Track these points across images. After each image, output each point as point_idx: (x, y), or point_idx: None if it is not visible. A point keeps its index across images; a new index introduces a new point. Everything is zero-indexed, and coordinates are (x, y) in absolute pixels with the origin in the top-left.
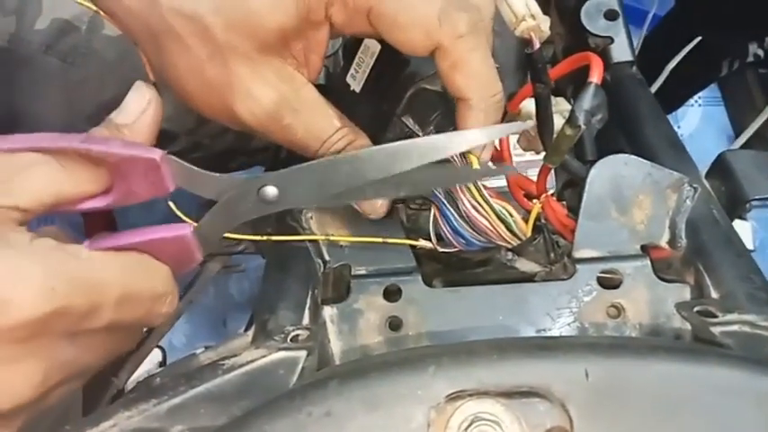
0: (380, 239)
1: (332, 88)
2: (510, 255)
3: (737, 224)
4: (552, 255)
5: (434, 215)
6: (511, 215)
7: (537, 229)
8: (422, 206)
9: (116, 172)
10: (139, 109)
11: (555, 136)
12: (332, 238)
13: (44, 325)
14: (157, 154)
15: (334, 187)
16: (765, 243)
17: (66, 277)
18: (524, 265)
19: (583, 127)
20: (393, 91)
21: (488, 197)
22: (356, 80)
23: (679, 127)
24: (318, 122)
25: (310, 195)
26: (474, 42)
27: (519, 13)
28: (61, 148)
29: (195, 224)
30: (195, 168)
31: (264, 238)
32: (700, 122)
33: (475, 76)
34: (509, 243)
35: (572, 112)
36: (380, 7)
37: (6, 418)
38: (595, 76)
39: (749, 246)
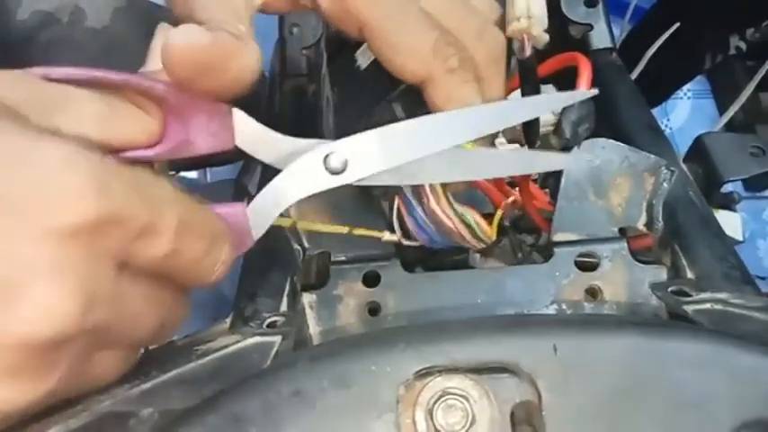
0: (347, 229)
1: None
2: (478, 257)
3: (727, 215)
4: (520, 254)
5: (400, 209)
6: (475, 221)
7: (502, 230)
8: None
9: (176, 116)
10: None
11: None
12: (299, 225)
13: (95, 232)
14: (224, 103)
15: (402, 156)
16: (755, 234)
17: (124, 178)
18: (493, 265)
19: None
20: (394, 78)
21: (452, 200)
22: (365, 57)
23: (669, 120)
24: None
25: (376, 166)
26: (467, 76)
27: (516, 11)
28: (120, 81)
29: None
30: (261, 126)
31: None
32: (689, 115)
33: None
34: (474, 246)
35: (558, 123)
36: (374, 26)
37: (44, 353)
38: (583, 85)
39: (738, 237)
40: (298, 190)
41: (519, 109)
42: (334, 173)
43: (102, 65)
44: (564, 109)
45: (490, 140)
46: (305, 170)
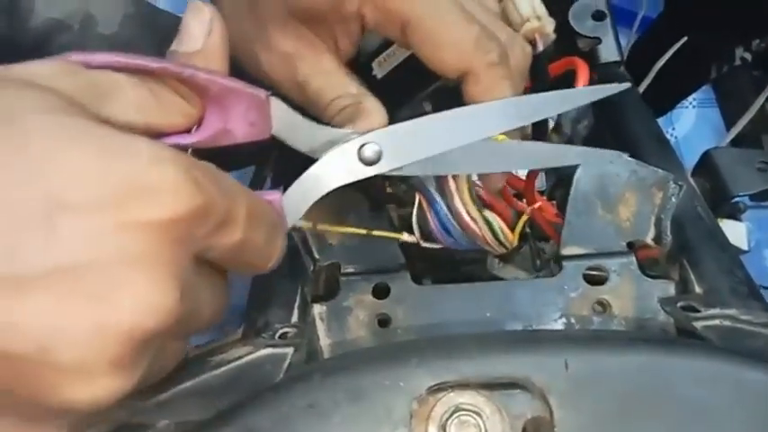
0: (365, 231)
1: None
2: (497, 262)
3: (733, 225)
4: (538, 262)
5: (420, 208)
6: (499, 225)
7: (523, 237)
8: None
9: (215, 104)
10: (204, 31)
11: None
12: (319, 227)
13: (188, 225)
14: (262, 92)
15: (435, 147)
16: (761, 244)
17: (203, 170)
18: (510, 273)
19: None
20: (416, 83)
21: (478, 201)
22: (381, 68)
23: (674, 128)
24: (331, 83)
25: (411, 156)
26: (505, 71)
27: (524, 13)
28: (160, 69)
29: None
30: (299, 115)
31: None
32: (694, 124)
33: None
34: (495, 250)
35: (558, 120)
36: (418, 23)
37: (143, 344)
38: (581, 84)
39: (744, 246)
40: (332, 179)
41: (550, 102)
42: (369, 163)
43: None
44: None
45: (521, 133)
46: (340, 160)
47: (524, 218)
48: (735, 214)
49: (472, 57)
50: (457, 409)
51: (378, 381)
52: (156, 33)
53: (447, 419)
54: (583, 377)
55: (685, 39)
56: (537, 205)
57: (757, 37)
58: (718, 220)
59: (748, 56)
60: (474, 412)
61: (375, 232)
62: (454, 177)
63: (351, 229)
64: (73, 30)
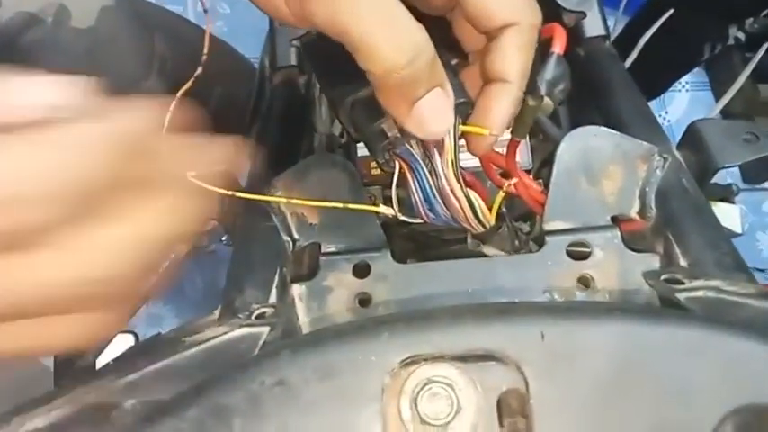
0: (341, 204)
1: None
2: (476, 243)
3: (726, 208)
4: (516, 242)
5: (401, 180)
6: (478, 202)
7: (500, 217)
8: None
9: None
10: None
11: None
12: (294, 201)
13: None
14: None
15: None
16: (754, 227)
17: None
18: (490, 252)
19: (545, 99)
20: None
21: (461, 178)
22: None
23: (666, 112)
24: None
25: None
26: (536, 38)
27: None
28: None
29: None
30: None
31: (230, 193)
32: (687, 107)
33: (528, 63)
34: (473, 228)
35: (534, 82)
36: None
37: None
38: (557, 47)
39: (738, 229)
40: None
41: None
42: None
43: (87, 65)
44: (539, 69)
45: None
46: None
47: (501, 195)
48: (728, 197)
49: (523, 13)
50: (429, 382)
51: (349, 356)
52: (144, 27)
53: (419, 392)
54: (559, 348)
55: (672, 11)
56: (513, 181)
57: (750, 16)
58: (712, 203)
59: (742, 35)
60: (447, 385)
61: (351, 206)
62: (440, 152)
63: (325, 203)
64: (45, 24)
